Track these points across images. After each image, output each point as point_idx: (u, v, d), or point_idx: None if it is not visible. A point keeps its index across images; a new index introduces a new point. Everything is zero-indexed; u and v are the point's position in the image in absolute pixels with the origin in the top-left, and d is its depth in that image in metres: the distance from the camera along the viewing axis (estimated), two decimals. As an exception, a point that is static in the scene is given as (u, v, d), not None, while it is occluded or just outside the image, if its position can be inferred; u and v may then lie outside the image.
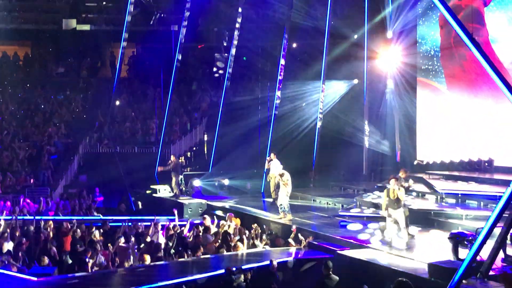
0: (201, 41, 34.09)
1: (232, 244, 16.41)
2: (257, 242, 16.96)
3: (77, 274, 13.58)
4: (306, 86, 28.74)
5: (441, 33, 23.06)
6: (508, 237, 12.24)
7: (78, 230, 17.17)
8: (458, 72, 22.71)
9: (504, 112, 19.60)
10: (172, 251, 16.17)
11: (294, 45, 28.31)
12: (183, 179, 25.36)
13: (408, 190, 15.41)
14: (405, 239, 15.03)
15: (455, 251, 12.76)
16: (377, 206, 19.69)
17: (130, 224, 18.57)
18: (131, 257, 15.25)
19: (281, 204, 18.96)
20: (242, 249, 16.12)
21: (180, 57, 29.11)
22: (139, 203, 24.91)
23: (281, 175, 19.05)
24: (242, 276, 12.54)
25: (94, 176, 27.72)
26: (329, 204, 22.41)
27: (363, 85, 27.36)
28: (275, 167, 21.06)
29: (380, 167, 26.98)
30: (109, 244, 15.75)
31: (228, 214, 19.64)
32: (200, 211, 22.36)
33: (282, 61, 27.46)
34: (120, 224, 18.41)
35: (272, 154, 22.04)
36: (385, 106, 26.96)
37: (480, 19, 21.01)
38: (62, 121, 31.50)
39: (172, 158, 24.72)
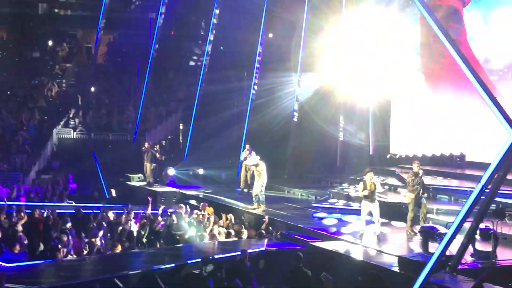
0: (179, 29, 33.90)
1: (206, 233, 16.45)
2: (232, 231, 17.00)
3: (48, 261, 13.49)
4: (282, 77, 28.72)
5: (421, 30, 23.29)
6: (477, 232, 12.43)
7: (51, 217, 17.06)
8: (437, 69, 22.96)
9: (476, 108, 19.80)
10: (145, 240, 16.14)
11: (270, 35, 28.26)
12: (157, 168, 25.30)
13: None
14: (377, 232, 15.19)
15: (425, 245, 12.93)
16: (350, 198, 19.87)
17: (105, 211, 18.46)
18: (103, 245, 15.21)
19: (256, 195, 19.03)
20: (215, 239, 16.16)
21: (157, 46, 28.95)
22: (113, 190, 24.81)
23: (256, 165, 19.12)
24: (217, 266, 12.57)
25: (68, 163, 27.52)
26: (303, 195, 22.54)
27: (339, 77, 27.41)
28: (251, 158, 21.13)
29: (354, 160, 27.13)
30: (81, 233, 15.68)
31: (202, 203, 19.67)
32: (174, 200, 22.33)
33: (259, 52, 27.43)
34: (92, 211, 18.31)
35: (247, 145, 21.95)
36: (360, 99, 27.04)
37: (459, 18, 21.37)
38: (36, 107, 31.20)
39: (146, 145, 24.63)
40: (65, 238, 14.79)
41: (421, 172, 15.77)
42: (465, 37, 21.33)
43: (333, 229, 16.41)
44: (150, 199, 19.71)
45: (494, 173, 11.26)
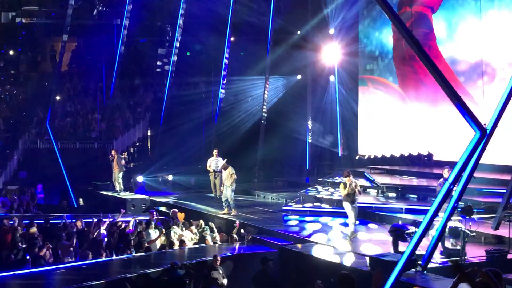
0: (145, 35, 33.73)
1: (176, 240, 16.36)
2: (207, 237, 16.92)
3: (17, 272, 13.28)
4: (250, 81, 28.77)
5: (393, 36, 23.61)
6: (446, 230, 12.53)
7: (19, 228, 16.81)
8: (408, 72, 23.30)
9: (443, 108, 20.09)
10: (114, 247, 15.99)
11: (232, 38, 28.25)
12: (123, 175, 25.06)
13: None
14: (350, 233, 15.24)
15: (395, 244, 13.00)
16: (320, 200, 19.93)
17: (73, 220, 18.25)
18: (73, 254, 15.03)
19: (226, 199, 18.95)
20: (186, 245, 16.09)
21: (123, 52, 28.74)
22: (81, 200, 24.54)
23: (225, 168, 19.04)
24: (187, 271, 12.50)
25: (34, 173, 27.17)
26: (273, 199, 22.54)
27: (306, 80, 27.58)
28: (220, 164, 20.93)
29: (323, 162, 27.28)
30: (46, 243, 15.42)
31: (172, 210, 19.57)
32: (143, 207, 22.17)
33: (226, 56, 27.42)
34: (61, 221, 18.09)
35: (214, 151, 21.76)
36: (328, 101, 27.23)
37: (429, 24, 21.97)
38: (1, 116, 30.75)
39: (113, 152, 24.41)
40: (33, 249, 14.59)
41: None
42: (435, 41, 21.91)
43: (304, 232, 16.43)
44: (122, 210, 19.48)
45: (461, 171, 11.36)
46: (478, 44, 20.22)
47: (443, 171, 14.44)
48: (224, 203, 19.06)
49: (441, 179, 14.28)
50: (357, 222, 15.59)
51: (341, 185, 15.45)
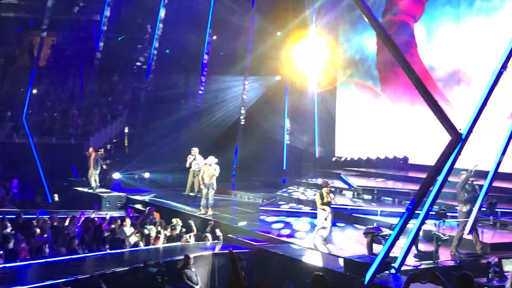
0: (124, 32, 33.54)
1: (152, 238, 16.33)
2: (186, 235, 16.89)
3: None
4: (229, 81, 28.76)
5: (377, 42, 23.83)
6: (420, 233, 12.65)
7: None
8: (391, 77, 23.53)
9: (421, 113, 20.28)
10: (89, 244, 15.90)
11: (214, 37, 28.24)
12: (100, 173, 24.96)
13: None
14: (326, 236, 15.31)
15: (370, 246, 13.09)
16: (297, 201, 20.01)
17: (48, 216, 18.12)
18: (47, 250, 14.92)
19: (206, 199, 18.82)
20: (161, 243, 16.06)
21: (101, 48, 28.56)
22: (56, 195, 24.35)
23: (209, 166, 18.91)
24: (160, 270, 12.47)
25: (9, 167, 26.90)
26: (250, 198, 22.57)
27: (285, 81, 27.66)
28: (200, 162, 20.82)
29: (300, 163, 27.38)
30: (22, 238, 15.32)
31: (148, 207, 19.50)
32: (119, 204, 22.06)
33: (206, 55, 27.39)
34: (35, 216, 17.95)
35: (193, 150, 21.47)
36: (306, 103, 27.33)
37: (411, 32, 22.50)
38: (-23, 110, 30.44)
39: (90, 150, 24.28)
40: (5, 244, 14.45)
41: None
42: (416, 48, 22.42)
43: (280, 232, 16.47)
44: (96, 206, 19.40)
45: (436, 175, 11.48)
46: (456, 51, 20.58)
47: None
48: (202, 203, 18.93)
49: (459, 182, 14.33)
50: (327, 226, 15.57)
51: (318, 196, 15.62)
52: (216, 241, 16.37)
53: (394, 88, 23.38)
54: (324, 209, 15.37)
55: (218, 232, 16.64)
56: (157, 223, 17.88)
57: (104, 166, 23.89)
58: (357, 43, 25.55)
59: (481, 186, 14.01)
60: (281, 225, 17.59)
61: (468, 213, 13.82)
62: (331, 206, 15.55)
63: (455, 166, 11.77)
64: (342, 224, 17.44)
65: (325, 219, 15.43)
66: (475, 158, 16.21)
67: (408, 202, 12.23)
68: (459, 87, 20.90)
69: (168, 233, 17.04)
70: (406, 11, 22.77)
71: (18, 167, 26.31)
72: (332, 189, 17.29)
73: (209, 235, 16.63)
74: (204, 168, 19.04)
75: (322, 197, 15.38)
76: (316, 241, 15.26)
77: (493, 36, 19.33)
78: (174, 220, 17.90)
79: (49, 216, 18.11)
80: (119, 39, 31.05)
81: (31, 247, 14.98)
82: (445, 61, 21.63)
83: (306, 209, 19.18)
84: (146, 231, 16.78)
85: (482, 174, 14.41)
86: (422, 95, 11.56)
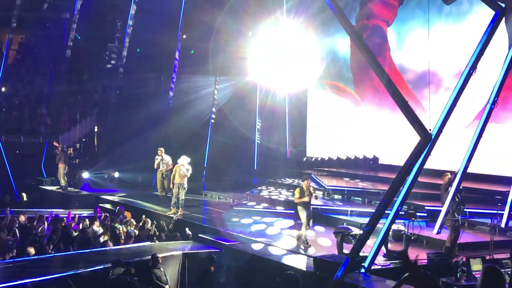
0: (94, 30, 33.24)
1: (122, 237, 16.23)
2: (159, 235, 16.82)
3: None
4: (200, 80, 28.69)
5: (351, 45, 23.98)
6: (390, 233, 12.76)
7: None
8: (364, 79, 23.72)
9: (391, 113, 20.48)
10: (57, 244, 15.73)
11: (184, 36, 28.14)
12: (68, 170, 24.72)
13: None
14: (304, 236, 15.19)
15: (340, 246, 13.16)
16: (267, 200, 20.03)
17: (16, 215, 17.87)
18: (14, 250, 14.72)
19: (177, 198, 18.76)
20: (130, 243, 15.96)
21: (71, 46, 28.26)
22: (24, 194, 24.06)
23: (182, 165, 18.85)
24: (127, 269, 12.39)
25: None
26: (220, 198, 22.55)
27: (255, 81, 27.65)
28: (165, 162, 20.85)
29: (271, 162, 27.39)
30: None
31: (118, 207, 19.39)
32: (88, 204, 21.86)
33: (177, 54, 27.27)
34: (4, 215, 17.70)
35: (159, 150, 21.47)
36: (277, 103, 27.37)
37: (384, 35, 22.92)
38: None
39: (57, 145, 24.02)
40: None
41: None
42: (389, 51, 22.80)
43: (250, 231, 16.48)
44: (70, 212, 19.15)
45: (405, 174, 11.59)
46: (425, 54, 20.83)
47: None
48: (172, 203, 18.86)
49: (442, 183, 14.55)
50: (309, 226, 15.35)
51: (297, 190, 15.19)
52: (186, 240, 16.30)
53: (367, 90, 23.57)
54: (304, 206, 14.99)
55: (188, 231, 16.59)
56: (128, 222, 17.77)
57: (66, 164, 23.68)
58: (329, 44, 25.66)
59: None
60: (251, 224, 17.59)
61: (453, 214, 13.93)
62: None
63: (424, 166, 11.90)
64: (313, 225, 17.47)
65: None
66: (444, 158, 16.48)
67: (378, 202, 12.33)
68: (428, 89, 21.13)
69: (137, 232, 16.93)
70: (379, 15, 23.15)
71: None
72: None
73: (178, 234, 16.57)
74: (176, 167, 19.02)
75: (302, 192, 15.03)
76: (286, 240, 15.27)
77: (462, 39, 19.62)
78: (144, 220, 17.82)
79: (16, 215, 17.85)
80: (78, 38, 30.66)
81: (-1, 247, 14.77)
82: (415, 63, 21.90)
83: (279, 208, 19.20)
84: (116, 231, 16.65)
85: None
86: (392, 96, 11.66)
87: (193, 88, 28.83)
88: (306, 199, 14.91)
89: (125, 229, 17.04)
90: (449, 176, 14.40)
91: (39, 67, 32.95)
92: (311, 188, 15.18)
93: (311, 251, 14.28)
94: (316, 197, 15.50)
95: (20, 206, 21.52)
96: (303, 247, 14.59)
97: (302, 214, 14.98)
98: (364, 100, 24.14)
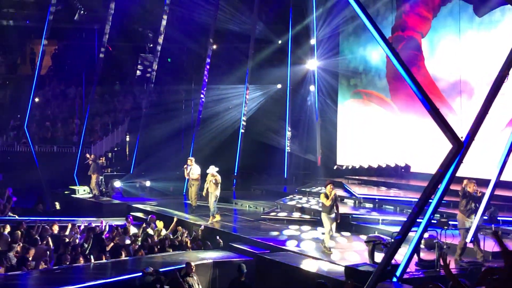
0: (125, 40, 33.61)
1: (154, 246, 16.32)
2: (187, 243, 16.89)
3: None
4: (230, 89, 28.81)
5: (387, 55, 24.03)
6: (422, 241, 12.63)
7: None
8: (400, 87, 23.66)
9: (420, 120, 20.33)
10: (89, 252, 15.88)
11: (215, 46, 28.29)
12: (103, 180, 25.04)
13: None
14: (326, 243, 15.22)
15: (371, 255, 13.06)
16: (297, 209, 19.97)
17: (49, 224, 18.08)
18: (48, 259, 14.90)
19: (213, 208, 18.91)
20: (163, 251, 16.04)
21: (103, 56, 28.55)
22: (57, 203, 24.36)
23: (213, 176, 18.97)
24: (158, 278, 12.43)
25: (11, 175, 26.93)
26: (251, 207, 22.56)
27: (286, 90, 27.68)
28: (195, 172, 20.79)
29: (301, 171, 27.36)
30: (17, 245, 15.24)
31: (150, 216, 19.50)
32: (120, 213, 22.04)
33: (207, 64, 27.40)
34: (37, 225, 17.92)
35: (189, 160, 21.34)
36: (307, 111, 27.36)
37: (418, 47, 23.00)
38: (-21, 119, 30.54)
39: (90, 156, 24.30)
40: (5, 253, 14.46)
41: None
42: (423, 61, 22.84)
43: (281, 240, 16.44)
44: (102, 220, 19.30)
45: (437, 183, 11.47)
46: (457, 63, 20.83)
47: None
48: (212, 211, 19.04)
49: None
50: (332, 233, 15.31)
51: (322, 195, 15.23)
52: (217, 249, 16.34)
53: (402, 98, 23.46)
54: (326, 212, 15.04)
55: (218, 239, 16.62)
56: (159, 231, 17.87)
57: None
58: (361, 54, 25.64)
59: (483, 195, 13.98)
60: (281, 233, 17.56)
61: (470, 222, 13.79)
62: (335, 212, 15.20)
63: (457, 174, 11.76)
64: (344, 233, 17.42)
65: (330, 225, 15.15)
66: (477, 166, 16.29)
67: (410, 210, 12.21)
68: (461, 98, 21.07)
69: (168, 240, 17.01)
70: (414, 27, 23.37)
71: (20, 176, 26.33)
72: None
73: (209, 243, 16.62)
74: (207, 177, 19.20)
75: (326, 196, 15.02)
76: (317, 249, 15.21)
77: (494, 47, 19.44)
78: (177, 228, 17.92)
79: (49, 224, 18.06)
80: (109, 49, 31.01)
81: (33, 256, 14.95)
82: (448, 72, 21.89)
83: (310, 217, 19.13)
84: (148, 240, 16.75)
85: (484, 183, 14.38)
86: (424, 104, 11.57)
87: (223, 97, 28.97)
88: (328, 203, 14.91)
89: (156, 238, 17.14)
90: (465, 183, 14.13)
91: (71, 77, 33.41)
92: (334, 193, 15.11)
93: (335, 257, 14.22)
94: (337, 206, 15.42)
95: (53, 215, 21.79)
96: (324, 252, 14.66)
97: (325, 220, 15.05)
98: (398, 108, 24.02)
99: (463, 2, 21.29)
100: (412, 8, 23.35)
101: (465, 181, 14.05)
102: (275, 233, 17.54)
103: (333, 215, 15.10)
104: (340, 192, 21.79)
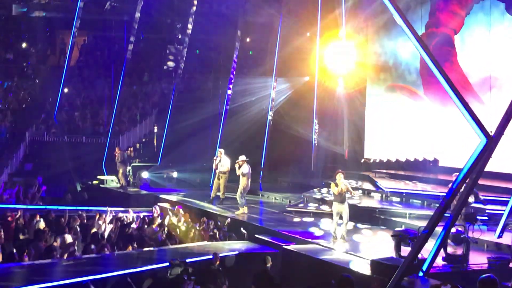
0: (154, 32, 33.76)
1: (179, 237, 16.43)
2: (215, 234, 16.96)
3: (20, 264, 13.32)
4: (258, 81, 28.77)
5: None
6: (449, 236, 12.53)
7: (21, 219, 16.86)
8: (433, 82, 23.54)
9: (450, 114, 20.13)
10: (116, 242, 16.02)
11: (248, 39, 28.31)
12: (131, 171, 25.23)
13: None
14: (345, 234, 15.28)
15: (398, 249, 12.99)
16: (324, 201, 19.92)
17: (77, 214, 18.26)
18: (76, 248, 15.07)
19: (241, 200, 18.97)
20: (189, 242, 16.13)
21: (132, 48, 28.72)
22: (85, 193, 24.62)
23: (240, 166, 18.96)
24: (185, 269, 12.51)
25: (40, 165, 27.27)
26: (277, 199, 22.56)
27: (314, 82, 27.56)
28: (224, 164, 20.60)
29: (328, 164, 27.24)
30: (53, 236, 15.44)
31: (176, 206, 19.59)
32: (147, 203, 22.18)
33: (235, 56, 27.41)
34: (65, 214, 18.12)
35: (219, 151, 20.85)
36: (335, 104, 27.21)
37: (451, 43, 22.98)
38: (9, 108, 30.88)
39: (117, 149, 24.54)
40: (36, 241, 14.64)
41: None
42: (456, 57, 22.78)
43: (307, 232, 16.44)
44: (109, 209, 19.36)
45: (466, 177, 11.36)
46: (487, 58, 20.75)
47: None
48: (239, 202, 19.10)
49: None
50: (344, 222, 15.35)
51: (332, 185, 15.40)
52: (242, 241, 16.38)
53: (435, 92, 23.30)
54: (336, 202, 15.22)
55: (243, 230, 16.66)
56: (184, 222, 17.96)
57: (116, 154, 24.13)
58: (391, 48, 25.45)
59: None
60: (308, 226, 17.55)
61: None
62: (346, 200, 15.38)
63: (485, 169, 11.64)
64: (370, 226, 17.36)
65: (341, 217, 15.27)
66: (506, 159, 16.10)
67: (437, 205, 12.12)
68: (491, 93, 20.94)
69: (197, 232, 17.09)
70: (447, 24, 23.37)
71: (49, 165, 26.65)
72: (351, 182, 17.15)
73: (234, 235, 16.65)
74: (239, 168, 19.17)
75: (336, 185, 15.19)
76: (342, 241, 15.20)
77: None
78: (204, 220, 17.99)
79: (78, 214, 18.24)
80: (142, 37, 31.17)
81: (61, 245, 15.14)
82: (477, 68, 21.88)
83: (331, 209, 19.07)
84: (177, 230, 16.86)
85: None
86: (453, 98, 11.48)
87: (251, 89, 28.95)
88: (337, 191, 15.10)
89: (183, 228, 17.23)
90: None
91: (100, 68, 33.69)
92: (342, 183, 15.18)
93: (361, 251, 14.18)
94: (351, 192, 15.75)
95: (81, 205, 22.02)
96: (334, 242, 15.00)
97: (333, 208, 15.31)
98: (429, 102, 23.85)
99: (496, 0, 21.31)
100: (446, 5, 23.36)
101: None
102: (300, 226, 17.54)
103: (344, 204, 15.18)
104: (367, 185, 21.75)
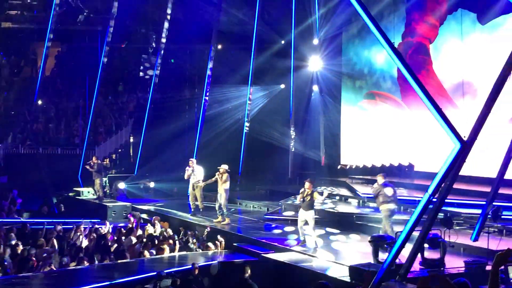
0: (129, 42, 33.64)
1: (156, 247, 16.33)
2: (191, 245, 16.88)
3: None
4: (233, 90, 28.80)
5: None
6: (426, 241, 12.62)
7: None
8: (410, 89, 23.76)
9: (425, 119, 20.32)
10: (93, 254, 15.91)
11: (220, 46, 28.33)
12: (107, 182, 25.09)
13: None
14: (315, 241, 15.41)
15: (375, 254, 13.06)
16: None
17: (52, 226, 18.12)
18: (53, 261, 14.93)
19: (220, 207, 18.84)
20: (167, 253, 16.04)
21: (106, 58, 28.58)
22: (61, 205, 24.40)
23: (223, 174, 18.85)
24: (173, 281, 12.44)
25: (15, 178, 26.98)
26: (255, 207, 22.57)
27: (289, 90, 27.67)
28: (198, 174, 20.44)
29: (305, 171, 27.31)
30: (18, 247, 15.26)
31: (154, 217, 19.50)
32: (124, 214, 22.07)
33: (210, 64, 27.43)
34: (42, 226, 17.98)
35: (190, 161, 20.75)
36: (311, 111, 27.34)
37: (426, 51, 23.45)
38: (-18, 121, 30.59)
39: (94, 158, 24.38)
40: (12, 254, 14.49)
41: None
42: (432, 65, 23.21)
43: (285, 240, 16.46)
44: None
45: (441, 182, 11.48)
46: (461, 65, 21.10)
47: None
48: (218, 211, 18.95)
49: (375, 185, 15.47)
50: (311, 228, 15.62)
51: (300, 192, 15.78)
52: (221, 250, 16.36)
53: (411, 98, 23.54)
54: (301, 208, 15.67)
55: (219, 238, 16.62)
56: (164, 232, 17.88)
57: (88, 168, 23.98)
58: (366, 57, 25.69)
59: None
60: (286, 233, 17.57)
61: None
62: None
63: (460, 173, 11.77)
64: (347, 232, 17.43)
65: (307, 223, 15.56)
66: (480, 164, 16.29)
67: (414, 209, 12.22)
68: (464, 99, 21.25)
69: (174, 241, 17.02)
70: (423, 34, 23.77)
71: (24, 178, 26.38)
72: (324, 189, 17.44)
73: (211, 244, 16.58)
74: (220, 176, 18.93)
75: (302, 197, 15.62)
76: (321, 249, 15.27)
77: (496, 50, 19.55)
78: (180, 229, 17.93)
79: (53, 226, 18.08)
80: (122, 46, 31.06)
81: (38, 257, 15.01)
82: (452, 75, 22.22)
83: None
84: (155, 240, 16.77)
85: (486, 181, 14.40)
86: (427, 105, 11.62)
87: (226, 98, 28.97)
88: (298, 200, 15.94)
89: (161, 238, 17.15)
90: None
91: (75, 79, 33.42)
92: (309, 192, 15.53)
93: (340, 257, 14.23)
94: (322, 194, 16.12)
95: (58, 217, 21.83)
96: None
97: (299, 215, 15.79)
98: (406, 109, 24.09)
99: (468, 11, 21.80)
100: (421, 16, 23.79)
101: None
102: (278, 233, 17.57)
103: (308, 211, 15.51)
104: (344, 192, 21.85)
